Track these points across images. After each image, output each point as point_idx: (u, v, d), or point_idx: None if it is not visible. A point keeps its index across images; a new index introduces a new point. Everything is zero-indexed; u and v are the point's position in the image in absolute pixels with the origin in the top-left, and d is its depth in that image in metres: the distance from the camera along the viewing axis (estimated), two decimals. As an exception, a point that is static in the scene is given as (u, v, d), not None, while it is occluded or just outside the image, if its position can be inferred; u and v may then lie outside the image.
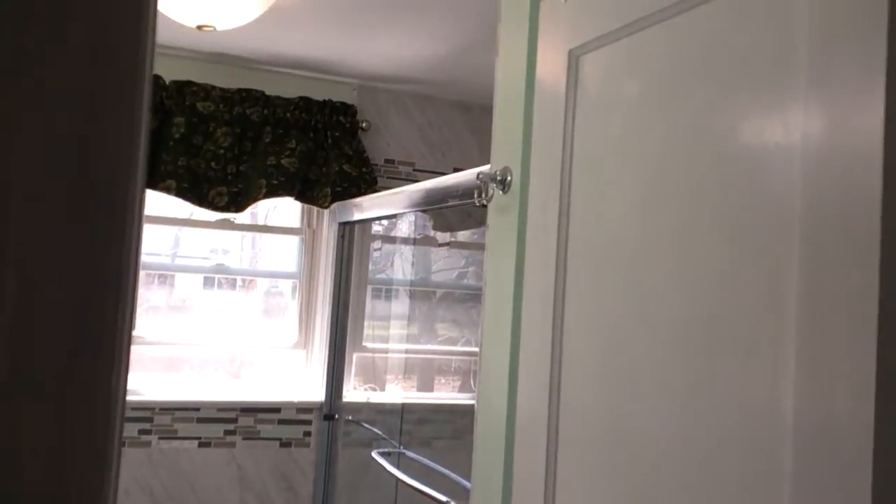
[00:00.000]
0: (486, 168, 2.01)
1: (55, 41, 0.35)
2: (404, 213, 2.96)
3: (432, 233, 3.55)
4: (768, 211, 0.98)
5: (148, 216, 3.36)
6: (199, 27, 2.20)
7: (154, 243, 3.51)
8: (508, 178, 1.77)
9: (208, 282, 3.64)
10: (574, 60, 1.39)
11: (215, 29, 2.22)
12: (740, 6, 1.05)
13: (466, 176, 2.45)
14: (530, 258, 1.51)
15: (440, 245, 3.08)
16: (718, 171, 1.07)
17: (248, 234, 3.68)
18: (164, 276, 3.58)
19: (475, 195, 1.88)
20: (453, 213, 3.29)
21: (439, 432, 3.26)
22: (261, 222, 3.67)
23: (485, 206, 1.89)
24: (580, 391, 1.33)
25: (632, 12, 1.23)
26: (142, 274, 3.38)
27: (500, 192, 1.81)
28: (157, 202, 3.34)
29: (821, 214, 0.90)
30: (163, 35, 2.99)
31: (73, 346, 0.36)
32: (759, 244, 0.99)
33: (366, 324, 3.65)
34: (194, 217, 3.47)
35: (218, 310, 3.60)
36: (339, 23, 2.76)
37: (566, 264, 1.39)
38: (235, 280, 3.69)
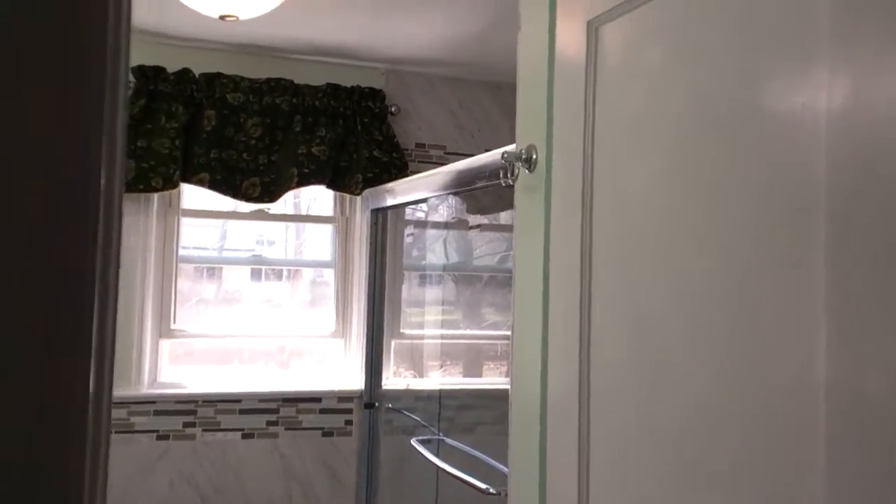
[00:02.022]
0: (511, 147, 1.99)
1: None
2: (436, 196, 2.96)
3: (466, 216, 3.54)
4: (794, 175, 0.95)
5: (185, 210, 3.41)
6: (222, 17, 2.22)
7: (200, 237, 3.57)
8: (534, 156, 1.76)
9: (255, 274, 3.69)
10: (593, 31, 1.37)
11: (238, 18, 2.24)
12: (759, -35, 1.02)
13: (494, 156, 2.44)
14: (555, 237, 1.50)
15: (470, 228, 3.07)
16: (742, 136, 1.04)
17: (292, 225, 3.71)
18: (213, 269, 3.64)
19: (501, 175, 1.87)
20: (486, 195, 3.28)
21: (480, 418, 3.27)
22: (303, 212, 3.70)
23: (511, 187, 1.88)
24: (610, 370, 1.32)
25: (649, -22, 1.21)
26: (189, 267, 3.44)
27: (527, 171, 1.79)
28: (202, 196, 3.40)
29: (847, 176, 0.88)
30: (190, 28, 3.02)
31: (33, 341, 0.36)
32: (786, 210, 0.97)
33: (403, 310, 3.66)
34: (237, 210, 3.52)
35: (263, 301, 3.65)
36: (363, 7, 2.76)
37: (591, 241, 1.38)
38: (282, 271, 3.73)
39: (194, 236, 3.55)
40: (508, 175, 1.87)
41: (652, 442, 1.19)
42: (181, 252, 3.43)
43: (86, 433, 0.34)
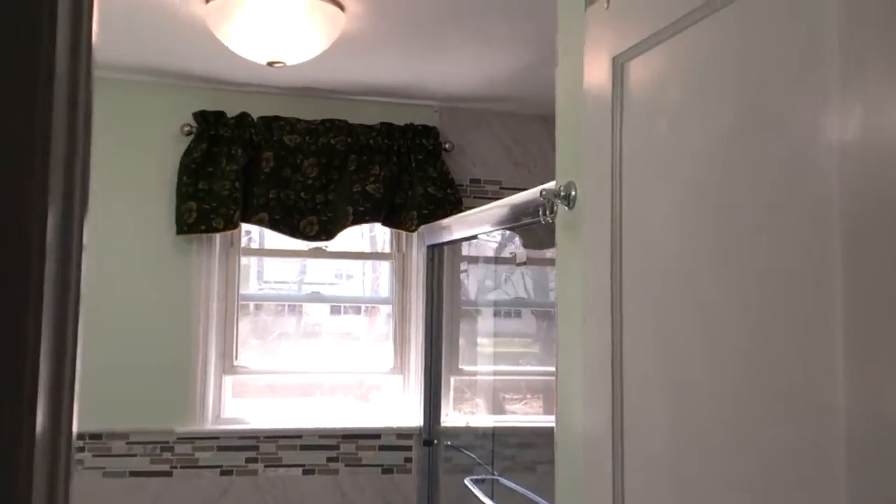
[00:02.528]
0: (550, 184, 2.02)
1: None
2: (489, 232, 2.99)
3: (521, 249, 3.56)
4: (810, 206, 0.96)
5: (245, 249, 3.53)
6: (270, 63, 2.32)
7: (279, 273, 3.72)
8: (573, 193, 1.78)
9: (335, 309, 3.80)
10: (619, 67, 1.39)
11: (285, 64, 2.34)
12: (770, 2, 1.03)
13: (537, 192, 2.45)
14: (588, 273, 1.51)
15: (518, 264, 3.09)
16: (761, 170, 1.05)
17: (368, 262, 3.79)
18: (285, 306, 3.75)
19: (540, 213, 1.89)
20: (541, 228, 3.29)
21: (538, 457, 3.25)
22: (379, 248, 3.78)
23: (550, 224, 1.90)
24: (641, 405, 1.32)
25: (669, 15, 1.23)
26: (269, 304, 3.55)
27: (566, 207, 1.81)
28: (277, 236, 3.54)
29: (860, 208, 0.88)
30: (248, 73, 3.15)
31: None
32: (802, 240, 0.97)
33: (461, 346, 3.68)
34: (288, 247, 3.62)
35: (324, 336, 3.74)
36: (411, 48, 2.84)
37: (621, 277, 1.39)
38: (360, 307, 3.83)
39: (276, 272, 3.71)
40: (547, 213, 1.88)
41: (681, 465, 1.19)
42: (261, 290, 3.55)
43: (31, 472, 0.37)
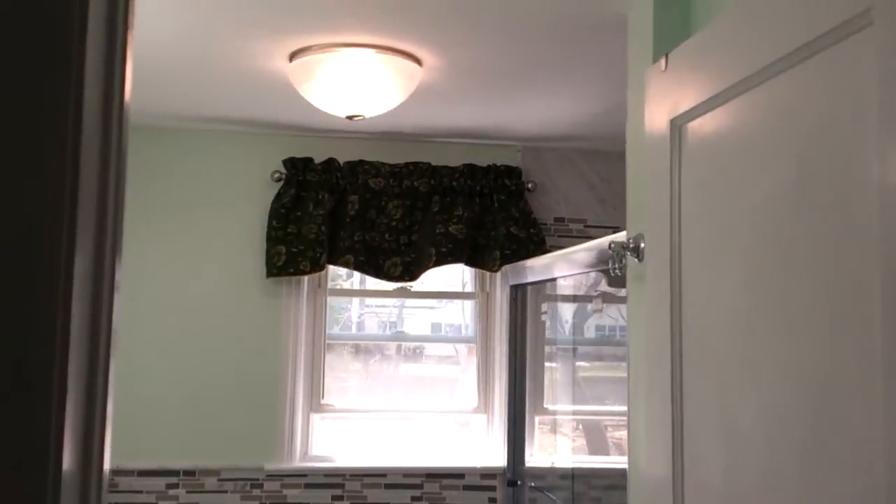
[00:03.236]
0: (619, 236, 2.05)
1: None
2: (570, 275, 3.02)
3: (597, 296, 3.56)
4: (861, 274, 0.97)
5: (331, 289, 3.67)
6: (349, 117, 2.44)
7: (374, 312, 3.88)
8: (641, 245, 1.80)
9: (403, 349, 3.92)
10: (677, 129, 1.42)
11: (364, 117, 2.45)
12: (816, 72, 1.06)
13: (619, 237, 2.47)
14: (649, 327, 1.54)
15: (595, 311, 3.10)
16: (811, 228, 1.07)
17: (468, 302, 3.87)
18: (370, 345, 3.88)
19: (609, 264, 1.92)
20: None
21: (622, 499, 3.22)
22: (469, 288, 3.86)
23: (618, 275, 1.92)
24: (700, 454, 1.34)
25: (723, 81, 1.26)
26: (362, 345, 3.69)
27: (636, 260, 1.84)
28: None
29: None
30: (334, 120, 3.30)
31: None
32: (864, 311, 0.98)
33: (545, 385, 3.70)
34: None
35: (415, 376, 3.84)
36: (490, 96, 2.92)
37: (681, 331, 1.41)
38: (423, 347, 3.93)
39: (370, 311, 3.88)
40: (616, 264, 1.91)
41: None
42: (353, 330, 3.68)
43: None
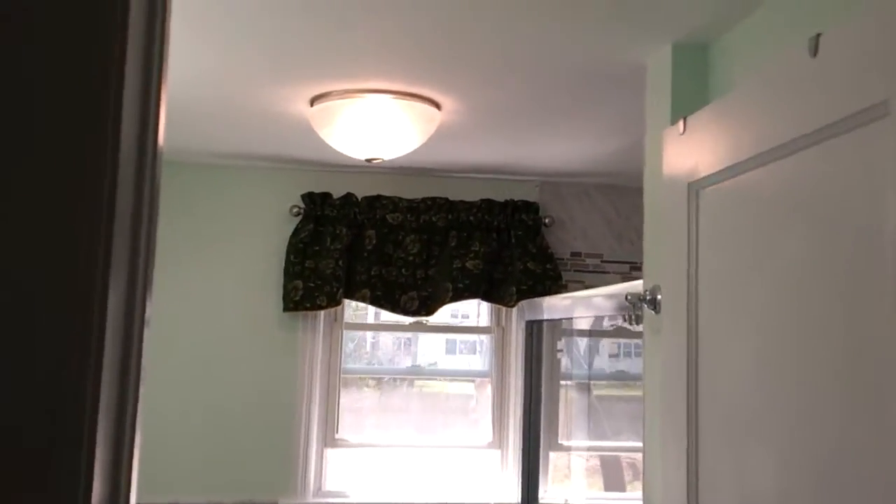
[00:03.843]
0: (635, 286, 2.06)
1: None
2: (584, 317, 3.02)
3: (623, 322, 3.56)
4: (875, 341, 0.98)
5: (347, 324, 3.69)
6: (369, 160, 2.47)
7: (388, 347, 3.90)
8: (658, 297, 1.81)
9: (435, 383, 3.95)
10: (694, 193, 1.44)
11: (383, 160, 2.48)
12: (835, 154, 1.08)
13: (636, 286, 2.48)
14: (665, 386, 1.55)
15: (611, 355, 3.10)
16: (826, 301, 1.08)
17: (485, 343, 3.89)
18: (384, 379, 3.89)
19: (625, 318, 1.93)
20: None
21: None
22: (483, 323, 3.88)
23: (632, 328, 1.93)
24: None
25: (739, 153, 1.28)
26: (373, 378, 3.70)
27: (652, 312, 1.85)
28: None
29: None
30: (352, 157, 3.33)
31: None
32: (868, 372, 0.99)
33: (560, 421, 3.70)
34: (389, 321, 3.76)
35: (427, 411, 3.85)
36: (508, 136, 2.94)
37: (697, 391, 1.42)
38: (473, 381, 3.95)
39: (388, 353, 3.89)
40: (631, 316, 1.92)
41: None
42: (369, 364, 3.70)
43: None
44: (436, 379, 3.99)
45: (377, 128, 2.36)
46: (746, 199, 1.28)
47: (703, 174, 1.38)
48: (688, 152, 1.45)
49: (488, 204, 3.63)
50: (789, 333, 1.18)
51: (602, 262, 3.79)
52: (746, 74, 1.59)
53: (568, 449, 3.72)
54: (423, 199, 3.60)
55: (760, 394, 1.26)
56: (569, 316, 3.20)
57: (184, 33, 1.98)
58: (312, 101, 2.43)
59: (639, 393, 1.96)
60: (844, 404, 1.06)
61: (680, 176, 1.47)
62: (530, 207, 3.67)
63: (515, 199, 3.66)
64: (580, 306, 2.97)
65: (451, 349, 4.04)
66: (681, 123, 1.49)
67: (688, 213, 1.43)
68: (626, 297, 1.89)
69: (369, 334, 4.00)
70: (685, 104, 1.76)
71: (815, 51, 1.05)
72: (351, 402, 3.79)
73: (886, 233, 0.97)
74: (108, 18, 0.48)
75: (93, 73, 0.48)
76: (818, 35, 1.05)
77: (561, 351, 3.66)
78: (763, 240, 1.23)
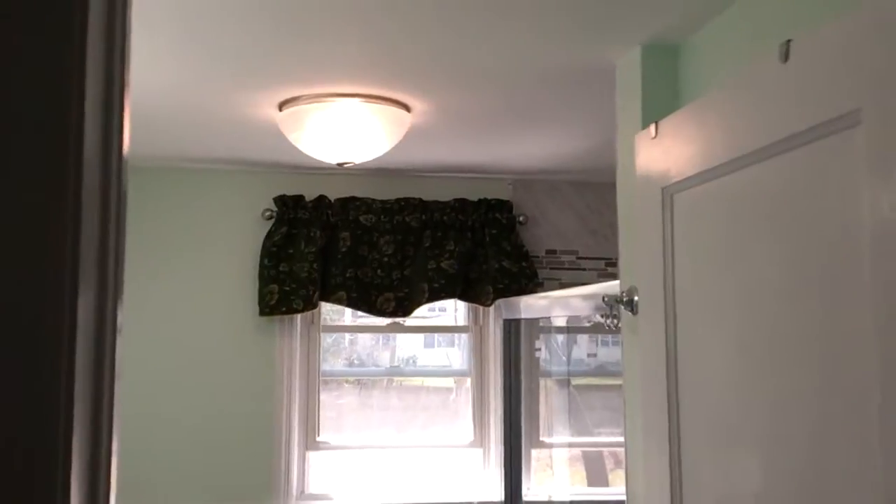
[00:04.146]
0: (612, 286, 2.05)
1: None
2: (562, 316, 3.02)
3: (600, 319, 3.57)
4: (851, 339, 0.98)
5: (325, 326, 3.67)
6: (340, 164, 2.45)
7: (366, 348, 3.87)
8: (635, 298, 1.81)
9: (416, 383, 3.93)
10: (668, 197, 1.43)
11: (354, 164, 2.46)
12: (807, 160, 1.07)
13: (612, 287, 2.48)
14: (645, 390, 1.54)
15: (589, 355, 3.11)
16: (799, 303, 1.08)
17: (463, 336, 3.87)
18: (363, 380, 3.87)
19: (602, 317, 1.93)
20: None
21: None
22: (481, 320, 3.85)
23: (611, 329, 1.93)
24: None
25: (712, 159, 1.27)
26: (352, 379, 3.68)
27: (630, 313, 1.85)
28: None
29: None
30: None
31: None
32: (848, 390, 0.99)
33: (541, 417, 3.70)
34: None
35: (407, 411, 3.83)
36: (479, 136, 2.93)
37: (678, 392, 1.42)
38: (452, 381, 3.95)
39: (367, 348, 3.87)
40: (609, 317, 1.92)
41: None
42: (346, 366, 3.67)
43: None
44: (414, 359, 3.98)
45: (347, 132, 2.33)
46: (719, 204, 1.28)
47: (676, 179, 1.38)
48: (660, 156, 1.44)
49: (462, 203, 3.62)
50: (764, 337, 1.18)
51: (577, 258, 3.79)
52: (717, 75, 1.59)
53: (550, 445, 3.73)
54: (397, 200, 3.58)
55: (738, 394, 1.26)
56: (546, 315, 3.20)
57: (147, 41, 1.94)
58: (281, 106, 2.40)
59: (618, 382, 1.96)
60: (820, 404, 1.06)
61: (653, 180, 1.46)
62: (504, 206, 3.66)
63: (489, 197, 3.65)
64: (557, 306, 2.97)
65: (429, 343, 4.03)
66: (652, 127, 1.49)
67: (662, 217, 1.43)
68: (603, 299, 1.89)
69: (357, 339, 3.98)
70: (655, 105, 1.75)
71: (785, 57, 1.04)
72: (331, 399, 3.76)
73: (859, 239, 0.97)
74: (67, 26, 0.48)
75: (53, 80, 0.47)
76: (789, 41, 1.05)
77: (539, 350, 3.66)
78: (736, 244, 1.23)
